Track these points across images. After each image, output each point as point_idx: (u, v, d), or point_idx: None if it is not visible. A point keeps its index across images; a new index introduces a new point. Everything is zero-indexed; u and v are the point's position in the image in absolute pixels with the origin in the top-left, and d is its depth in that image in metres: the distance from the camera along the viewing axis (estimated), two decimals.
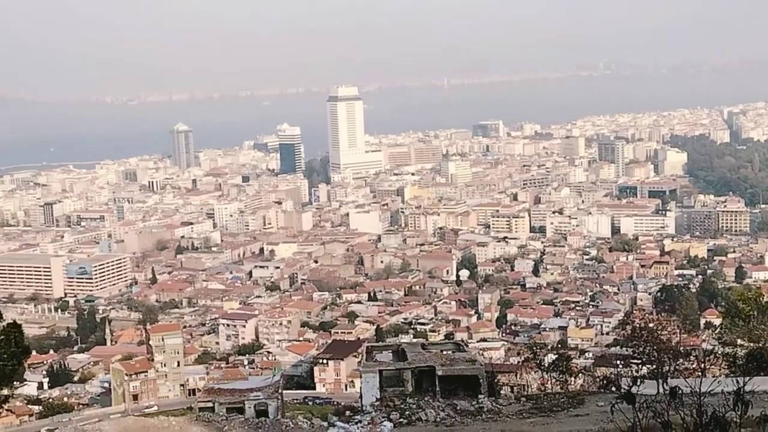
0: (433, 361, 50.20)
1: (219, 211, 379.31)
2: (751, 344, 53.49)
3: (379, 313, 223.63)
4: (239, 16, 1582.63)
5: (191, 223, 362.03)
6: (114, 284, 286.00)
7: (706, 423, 12.49)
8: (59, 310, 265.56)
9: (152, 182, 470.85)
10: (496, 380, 63.33)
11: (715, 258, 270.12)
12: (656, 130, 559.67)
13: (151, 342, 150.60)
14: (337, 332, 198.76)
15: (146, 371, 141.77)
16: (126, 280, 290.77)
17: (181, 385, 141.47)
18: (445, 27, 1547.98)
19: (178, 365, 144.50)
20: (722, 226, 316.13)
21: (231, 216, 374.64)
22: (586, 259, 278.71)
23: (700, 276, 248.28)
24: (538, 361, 72.92)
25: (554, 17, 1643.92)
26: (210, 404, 52.88)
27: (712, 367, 48.26)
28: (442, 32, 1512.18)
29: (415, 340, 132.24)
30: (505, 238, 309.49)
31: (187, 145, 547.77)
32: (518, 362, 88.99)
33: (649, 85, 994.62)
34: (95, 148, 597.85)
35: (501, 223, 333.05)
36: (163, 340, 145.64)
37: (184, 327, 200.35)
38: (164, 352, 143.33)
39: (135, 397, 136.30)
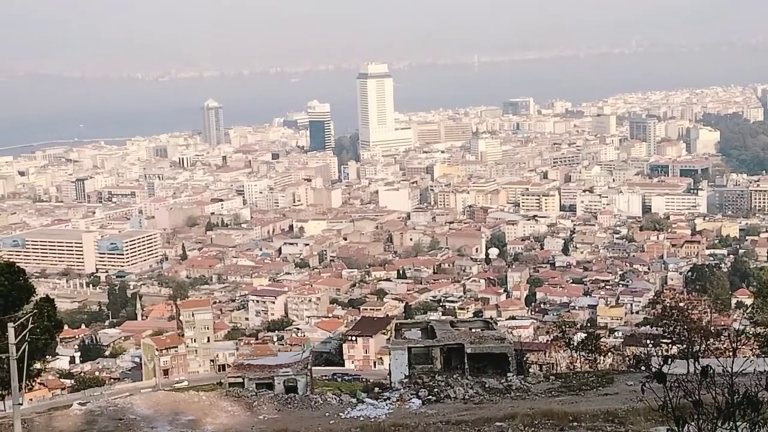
0: (462, 339, 50.18)
1: (249, 187, 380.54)
2: None
3: (408, 290, 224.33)
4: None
5: (221, 200, 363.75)
6: (145, 260, 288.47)
7: (737, 402, 12.37)
8: (91, 285, 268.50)
9: (182, 159, 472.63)
10: (524, 358, 63.35)
11: (747, 237, 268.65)
12: (689, 108, 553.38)
13: (181, 317, 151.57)
14: (366, 309, 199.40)
15: (176, 346, 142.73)
16: (156, 256, 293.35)
17: (211, 360, 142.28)
18: (476, 4, 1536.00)
19: (208, 341, 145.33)
20: (755, 206, 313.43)
21: (261, 193, 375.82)
22: (617, 238, 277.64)
23: (731, 255, 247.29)
24: (567, 340, 72.68)
25: None
26: (240, 380, 53.24)
27: (744, 346, 47.98)
28: (473, 9, 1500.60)
29: (444, 318, 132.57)
30: (535, 216, 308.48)
31: (217, 122, 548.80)
32: (547, 341, 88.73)
33: (682, 62, 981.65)
34: (126, 124, 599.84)
35: (531, 202, 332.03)
36: (193, 315, 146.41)
37: (214, 303, 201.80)
38: (194, 327, 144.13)
39: (165, 372, 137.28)
